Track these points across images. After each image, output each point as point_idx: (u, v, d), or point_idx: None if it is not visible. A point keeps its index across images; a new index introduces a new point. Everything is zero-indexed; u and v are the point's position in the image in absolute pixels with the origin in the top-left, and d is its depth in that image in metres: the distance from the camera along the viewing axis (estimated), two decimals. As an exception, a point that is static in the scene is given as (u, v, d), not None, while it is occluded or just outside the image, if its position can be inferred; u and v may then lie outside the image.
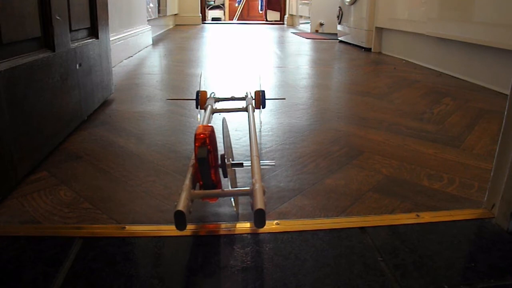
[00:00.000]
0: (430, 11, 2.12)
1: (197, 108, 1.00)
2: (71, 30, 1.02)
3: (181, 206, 0.49)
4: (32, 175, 0.78)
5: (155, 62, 2.28)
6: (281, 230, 0.61)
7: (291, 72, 2.02)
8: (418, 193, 0.74)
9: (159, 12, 3.75)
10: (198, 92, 0.99)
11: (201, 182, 0.57)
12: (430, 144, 0.99)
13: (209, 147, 0.55)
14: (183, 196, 0.52)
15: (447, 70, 2.04)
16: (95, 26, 1.23)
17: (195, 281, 0.50)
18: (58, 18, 0.91)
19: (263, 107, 1.02)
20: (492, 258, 0.55)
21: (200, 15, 5.93)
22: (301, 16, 5.44)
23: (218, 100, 1.03)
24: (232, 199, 0.67)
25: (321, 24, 4.58)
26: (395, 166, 0.86)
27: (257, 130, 1.08)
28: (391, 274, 0.51)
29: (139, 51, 2.64)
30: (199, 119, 1.14)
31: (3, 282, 0.49)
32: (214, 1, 8.61)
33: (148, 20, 3.07)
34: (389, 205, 0.69)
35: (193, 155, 0.58)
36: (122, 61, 2.23)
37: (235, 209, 0.66)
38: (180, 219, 0.49)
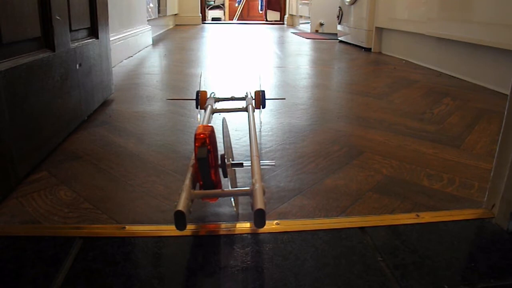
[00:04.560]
0: (430, 11, 2.12)
1: (197, 108, 1.00)
2: (71, 30, 1.02)
3: (181, 206, 0.49)
4: (32, 175, 0.78)
5: (155, 62, 2.28)
6: (281, 230, 0.61)
7: (291, 72, 2.02)
8: (418, 193, 0.74)
9: (159, 12, 3.75)
10: (198, 92, 0.99)
11: (201, 182, 0.57)
12: (430, 144, 0.99)
13: (209, 147, 0.55)
14: (183, 196, 0.52)
15: (447, 70, 2.04)
16: (95, 26, 1.23)
17: (195, 281, 0.50)
18: (58, 18, 0.91)
19: (263, 107, 1.02)
20: (492, 258, 0.55)
21: (200, 15, 5.93)
22: (301, 16, 5.44)
23: (218, 100, 1.03)
24: (232, 199, 0.67)
25: (321, 24, 4.58)
26: (395, 166, 0.85)
27: (257, 130, 1.08)
28: (391, 274, 0.51)
29: (139, 51, 2.64)
30: (199, 119, 1.14)
31: (3, 282, 0.49)
32: (214, 1, 8.61)
33: (148, 20, 3.07)
34: (389, 205, 0.69)
35: (193, 155, 0.58)
36: (122, 61, 2.23)
37: (235, 209, 0.66)
38: (180, 219, 0.49)
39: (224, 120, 0.67)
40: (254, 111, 0.93)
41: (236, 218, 0.65)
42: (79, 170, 0.82)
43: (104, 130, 1.06)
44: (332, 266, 0.53)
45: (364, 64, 2.36)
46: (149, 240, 0.58)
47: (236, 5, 9.12)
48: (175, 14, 5.26)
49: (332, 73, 2.06)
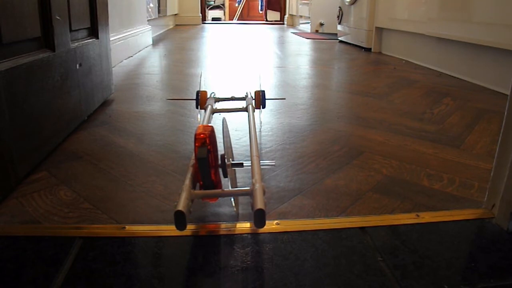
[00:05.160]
0: (430, 11, 2.12)
1: (197, 108, 1.00)
2: (71, 30, 1.02)
3: (181, 206, 0.49)
4: (32, 175, 0.78)
5: (155, 62, 2.28)
6: (281, 230, 0.61)
7: (291, 72, 2.02)
8: (418, 193, 0.74)
9: (159, 12, 3.75)
10: (198, 92, 0.99)
11: (201, 182, 0.57)
12: (430, 144, 0.99)
13: (209, 147, 0.55)
14: (183, 196, 0.52)
15: (447, 70, 2.04)
16: (95, 26, 1.23)
17: (195, 281, 0.50)
18: (58, 18, 0.91)
19: (263, 107, 1.02)
20: (492, 258, 0.55)
21: (200, 15, 5.93)
22: (301, 16, 5.44)
23: (218, 100, 1.03)
24: (232, 199, 0.67)
25: (321, 24, 4.58)
26: (395, 166, 0.85)
27: (257, 130, 1.08)
28: (391, 274, 0.51)
29: (139, 51, 2.64)
30: (199, 119, 1.14)
31: (3, 282, 0.49)
32: (214, 1, 8.61)
33: (148, 20, 3.07)
34: (389, 205, 0.69)
35: (193, 155, 0.58)
36: (122, 61, 2.23)
37: (235, 209, 0.66)
38: (180, 219, 0.49)
39: (224, 120, 0.68)
40: (254, 111, 0.93)
41: (236, 218, 0.65)
42: (79, 170, 0.82)
43: (104, 130, 1.06)
44: (332, 266, 0.53)
45: (364, 64, 2.36)
46: (149, 240, 0.58)
47: (236, 5, 9.12)
48: (175, 14, 5.26)
49: (332, 73, 2.06)
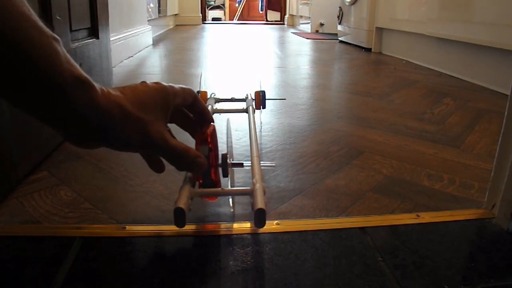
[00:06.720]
0: (430, 11, 2.12)
1: (197, 108, 1.00)
2: (71, 30, 1.02)
3: (180, 203, 0.49)
4: (32, 175, 0.78)
5: (155, 62, 2.28)
6: (281, 230, 0.61)
7: (292, 72, 2.02)
8: (418, 193, 0.74)
9: (159, 12, 3.75)
10: (198, 93, 0.99)
11: (200, 181, 0.57)
12: (430, 144, 0.99)
13: (210, 145, 0.55)
14: (183, 194, 0.52)
15: (447, 70, 2.04)
16: (95, 26, 1.23)
17: (195, 281, 0.50)
18: (58, 18, 0.92)
19: (264, 108, 1.02)
20: (492, 258, 0.55)
21: (201, 15, 5.93)
22: (301, 16, 5.45)
23: (219, 100, 1.03)
24: (230, 199, 0.67)
25: (321, 24, 4.59)
26: (395, 166, 0.85)
27: (258, 130, 1.08)
28: (391, 274, 0.51)
29: (139, 51, 2.64)
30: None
31: (3, 282, 0.49)
32: (215, 1, 8.62)
33: (148, 20, 3.07)
34: (389, 205, 0.69)
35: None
36: (122, 61, 2.23)
37: (232, 209, 0.66)
38: (179, 216, 0.49)
39: (228, 121, 0.67)
40: (254, 112, 0.93)
41: (233, 218, 0.65)
42: (79, 170, 0.82)
43: (104, 130, 1.06)
44: (333, 266, 0.53)
45: (364, 64, 2.36)
46: (149, 240, 0.58)
47: (236, 5, 9.13)
48: (176, 14, 5.26)
49: (332, 73, 2.06)
